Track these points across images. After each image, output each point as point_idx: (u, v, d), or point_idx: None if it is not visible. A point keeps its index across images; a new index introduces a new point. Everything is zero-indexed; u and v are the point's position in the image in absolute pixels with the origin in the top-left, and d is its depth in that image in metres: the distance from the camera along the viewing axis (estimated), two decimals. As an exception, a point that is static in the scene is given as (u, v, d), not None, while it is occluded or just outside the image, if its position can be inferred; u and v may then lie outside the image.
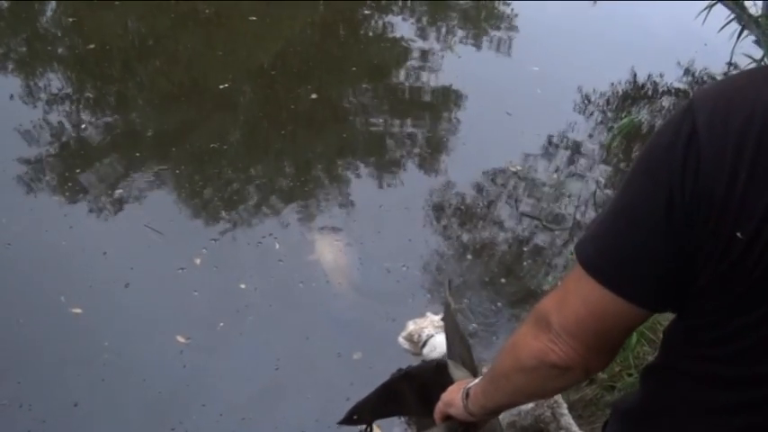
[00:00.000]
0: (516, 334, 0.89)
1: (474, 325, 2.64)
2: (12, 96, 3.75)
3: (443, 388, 1.20)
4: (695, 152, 0.67)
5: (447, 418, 1.09)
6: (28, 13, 4.65)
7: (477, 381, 1.03)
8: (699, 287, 0.71)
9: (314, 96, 3.93)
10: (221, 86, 3.94)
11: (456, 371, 1.27)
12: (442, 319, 2.27)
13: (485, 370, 2.10)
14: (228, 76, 4.00)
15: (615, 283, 0.74)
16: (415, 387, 1.39)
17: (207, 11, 4.74)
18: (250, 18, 4.67)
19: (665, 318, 2.15)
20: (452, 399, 1.06)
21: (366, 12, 5.03)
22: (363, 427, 1.39)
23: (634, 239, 0.73)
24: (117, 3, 4.72)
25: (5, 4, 4.78)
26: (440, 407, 1.09)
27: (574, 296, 0.78)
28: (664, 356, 0.84)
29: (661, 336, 2.07)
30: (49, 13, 4.70)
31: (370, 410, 1.40)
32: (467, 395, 1.02)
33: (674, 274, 0.72)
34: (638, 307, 0.75)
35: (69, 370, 2.33)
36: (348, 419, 1.36)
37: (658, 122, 4.11)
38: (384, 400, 1.41)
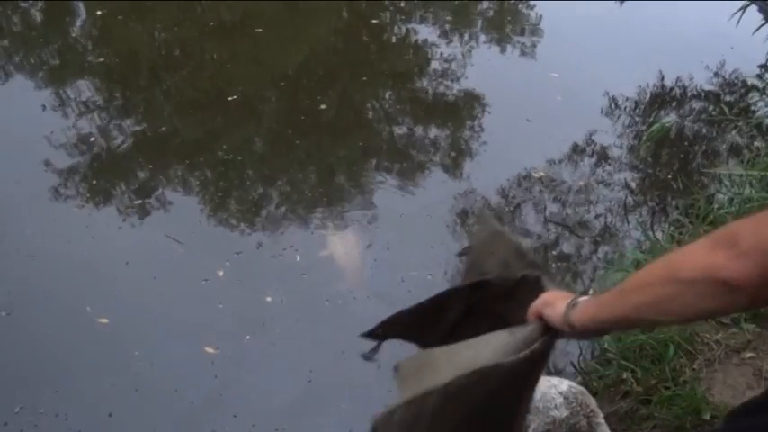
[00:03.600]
0: (677, 251, 0.83)
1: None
2: (40, 107, 3.80)
3: (513, 302, 1.08)
4: None
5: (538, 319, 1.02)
6: (55, 23, 4.73)
7: (589, 297, 0.97)
8: None
9: (325, 106, 3.90)
10: (230, 98, 3.92)
11: (551, 285, 1.12)
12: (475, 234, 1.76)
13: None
14: (239, 88, 3.99)
15: None
16: (462, 309, 1.18)
17: (212, 23, 4.72)
18: (256, 30, 4.64)
19: (704, 330, 2.11)
20: (555, 300, 1.01)
21: (386, 18, 5.02)
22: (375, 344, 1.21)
23: None
24: (143, 11, 4.77)
25: (38, 17, 4.86)
26: (537, 304, 1.04)
27: None
28: None
29: (701, 348, 2.02)
30: (78, 24, 4.78)
31: (404, 324, 1.22)
32: (574, 305, 0.96)
33: None
34: None
35: (103, 379, 2.36)
36: (372, 332, 1.21)
37: (688, 126, 4.04)
38: (426, 317, 1.21)
